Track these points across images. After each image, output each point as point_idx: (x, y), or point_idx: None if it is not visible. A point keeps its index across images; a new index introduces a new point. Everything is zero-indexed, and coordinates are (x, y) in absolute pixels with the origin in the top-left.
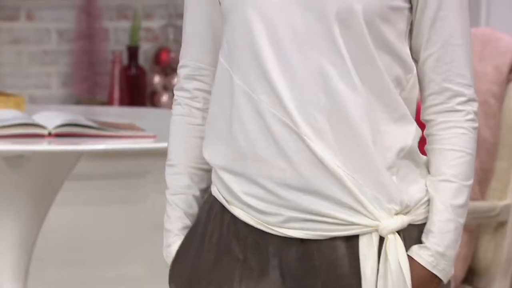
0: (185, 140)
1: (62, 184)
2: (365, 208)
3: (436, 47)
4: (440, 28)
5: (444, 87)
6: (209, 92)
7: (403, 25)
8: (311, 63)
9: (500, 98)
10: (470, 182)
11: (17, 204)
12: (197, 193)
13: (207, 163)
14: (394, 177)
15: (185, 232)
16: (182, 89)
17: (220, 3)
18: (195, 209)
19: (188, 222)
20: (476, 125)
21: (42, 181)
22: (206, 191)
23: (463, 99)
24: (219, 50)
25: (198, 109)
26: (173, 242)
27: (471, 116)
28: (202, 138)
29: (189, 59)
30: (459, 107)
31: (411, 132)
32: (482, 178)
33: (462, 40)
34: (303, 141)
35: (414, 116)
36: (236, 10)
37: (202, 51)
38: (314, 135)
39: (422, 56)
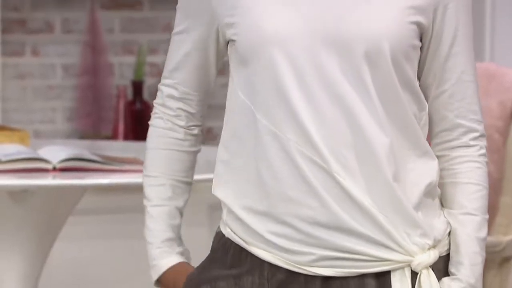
0: (167, 153)
1: (66, 219)
2: (398, 244)
3: (449, 84)
4: (453, 65)
5: (457, 123)
6: (192, 114)
7: (416, 63)
8: (339, 102)
9: (505, 133)
10: (487, 216)
11: (22, 239)
12: (181, 204)
13: (189, 176)
14: (420, 212)
15: (169, 244)
16: (164, 105)
17: (228, 42)
18: (178, 221)
19: (171, 235)
20: (487, 159)
21: (47, 215)
22: (187, 201)
23: (476, 134)
24: (210, 80)
25: (181, 126)
26: (159, 257)
27: (483, 151)
28: (185, 152)
29: (177, 82)
30: (472, 142)
31: (435, 168)
32: None
33: (472, 77)
34: (334, 178)
35: None
36: (259, 51)
37: (191, 78)
38: (345, 173)
39: (434, 93)
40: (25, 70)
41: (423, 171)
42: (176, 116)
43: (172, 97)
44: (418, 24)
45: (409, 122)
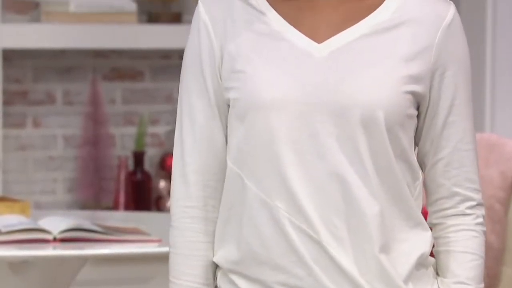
0: (197, 259)
1: None
2: None
3: (445, 152)
4: (450, 134)
5: (454, 192)
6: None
7: (412, 133)
8: (332, 170)
9: (506, 204)
10: (482, 285)
11: None
12: None
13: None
14: (410, 283)
15: None
16: (190, 197)
17: (229, 104)
18: None
19: None
20: (485, 229)
21: (47, 286)
22: None
23: (472, 203)
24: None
25: (213, 221)
26: None
27: (480, 220)
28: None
29: (200, 164)
30: (468, 211)
31: (428, 239)
32: (488, 285)
33: (470, 145)
34: (323, 248)
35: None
36: (255, 116)
37: (211, 154)
38: (335, 242)
39: (431, 161)
40: (26, 141)
41: (415, 242)
42: (205, 206)
43: (197, 183)
44: (414, 94)
45: (402, 192)
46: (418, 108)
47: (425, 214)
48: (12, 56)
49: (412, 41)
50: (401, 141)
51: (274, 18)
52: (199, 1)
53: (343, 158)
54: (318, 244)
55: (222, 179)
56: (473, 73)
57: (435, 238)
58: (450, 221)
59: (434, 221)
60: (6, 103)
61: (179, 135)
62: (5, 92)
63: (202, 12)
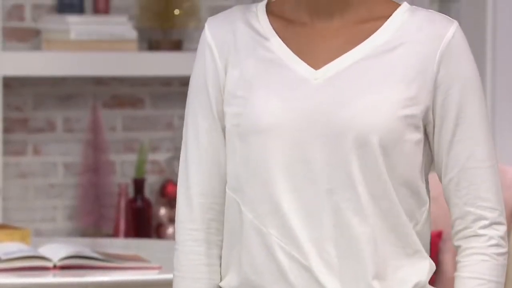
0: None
1: None
2: None
3: (454, 171)
4: (457, 153)
5: (466, 211)
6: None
7: (419, 158)
8: (324, 199)
9: (507, 232)
10: None
11: None
12: None
13: None
14: None
15: None
16: (194, 220)
17: (231, 129)
18: None
19: None
20: (502, 250)
21: None
22: None
23: (485, 222)
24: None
25: (216, 244)
26: None
27: (494, 242)
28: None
29: (204, 187)
30: (481, 232)
31: (425, 269)
32: None
33: (481, 163)
34: (313, 275)
35: (429, 250)
36: (252, 141)
37: (216, 177)
38: (326, 269)
39: (444, 181)
40: (27, 169)
41: (411, 270)
42: (208, 229)
43: (202, 205)
44: (414, 117)
45: (398, 219)
46: (426, 131)
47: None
48: (12, 83)
49: (410, 63)
50: (401, 166)
51: (277, 44)
52: (205, 25)
53: (335, 184)
54: (309, 271)
55: None
56: None
57: (456, 262)
58: (465, 244)
59: (455, 244)
60: (6, 130)
61: (184, 158)
62: (5, 120)
63: (208, 35)
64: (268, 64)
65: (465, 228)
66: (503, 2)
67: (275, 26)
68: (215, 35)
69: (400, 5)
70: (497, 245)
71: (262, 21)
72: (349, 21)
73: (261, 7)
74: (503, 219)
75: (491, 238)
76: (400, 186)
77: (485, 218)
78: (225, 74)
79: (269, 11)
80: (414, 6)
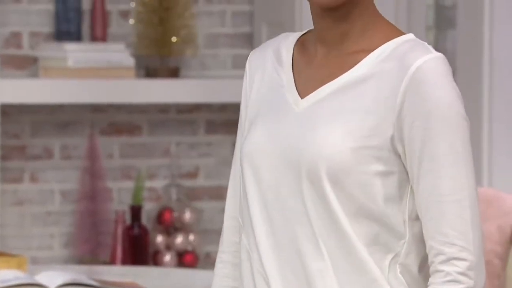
0: None
1: None
2: None
3: (423, 205)
4: (423, 185)
5: (430, 245)
6: None
7: (393, 190)
8: (288, 228)
9: (504, 259)
10: None
11: None
12: None
13: None
14: None
15: None
16: (224, 242)
17: None
18: None
19: None
20: (460, 286)
21: None
22: None
23: (443, 257)
24: None
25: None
26: None
27: (450, 278)
28: None
29: (233, 212)
30: (440, 267)
31: None
32: None
33: (444, 197)
34: None
35: (427, 280)
36: (241, 166)
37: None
38: None
39: (419, 215)
40: (24, 196)
41: None
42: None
43: (236, 230)
44: (372, 148)
45: (355, 251)
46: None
47: None
48: (10, 111)
49: (377, 92)
50: (359, 198)
51: (287, 73)
52: (250, 52)
53: (294, 213)
54: None
55: None
56: (472, 128)
57: None
58: (430, 279)
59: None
60: (4, 158)
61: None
62: (3, 147)
63: (247, 63)
64: (274, 92)
65: (431, 263)
66: (500, 29)
67: (295, 55)
68: (250, 62)
69: (400, 35)
70: (454, 281)
71: (288, 49)
72: (345, 52)
73: (296, 36)
74: (465, 255)
75: (447, 274)
76: (358, 218)
77: (443, 253)
78: (249, 101)
79: (300, 40)
80: (414, 38)
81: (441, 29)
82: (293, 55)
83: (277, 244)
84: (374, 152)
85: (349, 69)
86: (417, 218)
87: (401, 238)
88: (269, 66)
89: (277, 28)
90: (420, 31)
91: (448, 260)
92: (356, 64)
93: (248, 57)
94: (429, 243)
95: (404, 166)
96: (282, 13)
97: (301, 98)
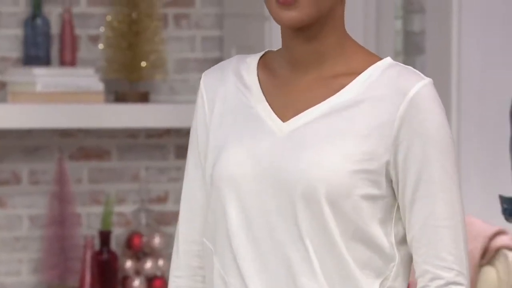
0: None
1: None
2: None
3: (415, 229)
4: (418, 210)
5: (425, 270)
6: None
7: (383, 214)
8: (279, 250)
9: (473, 284)
10: None
11: None
12: None
13: None
14: None
15: None
16: (180, 267)
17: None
18: None
19: None
20: None
21: None
22: None
23: (441, 282)
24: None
25: None
26: None
27: None
28: None
29: (190, 234)
30: None
31: None
32: None
33: (443, 221)
34: None
35: None
36: (216, 190)
37: (198, 227)
38: None
39: (408, 239)
40: None
41: None
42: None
43: (196, 254)
44: (369, 172)
45: (349, 273)
46: (393, 186)
47: None
48: None
49: (371, 117)
50: (355, 222)
51: (257, 96)
52: (202, 74)
53: (286, 236)
54: None
55: None
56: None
57: None
58: None
59: None
60: None
61: (180, 205)
62: None
63: (201, 85)
64: (245, 115)
65: (424, 286)
66: (468, 55)
67: (262, 77)
68: (207, 84)
69: (379, 59)
70: None
71: (250, 72)
72: (323, 75)
73: (255, 58)
74: (461, 279)
75: None
76: (353, 240)
77: (441, 278)
78: (210, 123)
79: (262, 61)
80: (396, 63)
81: (410, 55)
82: (258, 78)
83: (265, 268)
84: (370, 176)
85: (335, 93)
86: (402, 241)
87: (391, 261)
88: (232, 88)
89: (247, 52)
90: (389, 55)
91: (447, 284)
92: (342, 88)
93: (202, 79)
94: (423, 267)
95: (392, 191)
96: (251, 38)
97: (283, 121)
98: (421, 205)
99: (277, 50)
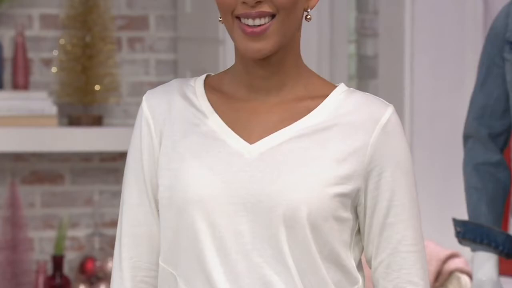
0: None
1: None
2: None
3: (385, 254)
4: (389, 235)
5: None
6: None
7: (346, 236)
8: (256, 272)
9: None
10: None
11: None
12: None
13: None
14: None
15: None
16: None
17: (159, 197)
18: None
19: None
20: None
21: None
22: None
23: None
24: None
25: None
26: None
27: None
28: None
29: (137, 260)
30: None
31: None
32: None
33: (413, 247)
34: None
35: None
36: (181, 213)
37: (150, 250)
38: None
39: (374, 264)
40: None
41: None
42: None
43: (142, 281)
44: (343, 195)
45: None
46: (357, 211)
47: None
48: None
49: (344, 142)
50: (330, 243)
51: (212, 118)
52: (143, 97)
53: (266, 257)
54: None
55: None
56: None
57: None
58: None
59: None
60: None
61: (119, 230)
62: None
63: (144, 107)
64: (202, 137)
65: None
66: (420, 79)
67: (212, 100)
68: (152, 107)
69: (336, 86)
70: None
71: (199, 95)
72: (285, 99)
73: (199, 81)
74: None
75: None
76: (329, 262)
77: None
78: (160, 146)
79: (208, 84)
80: (352, 88)
81: (363, 79)
82: (209, 101)
83: None
84: (344, 200)
85: (302, 116)
86: (359, 264)
87: (356, 284)
88: (181, 111)
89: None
90: (342, 81)
91: None
92: (309, 111)
93: (145, 102)
94: None
95: (356, 215)
96: (205, 61)
97: (249, 143)
98: (392, 230)
99: (224, 73)
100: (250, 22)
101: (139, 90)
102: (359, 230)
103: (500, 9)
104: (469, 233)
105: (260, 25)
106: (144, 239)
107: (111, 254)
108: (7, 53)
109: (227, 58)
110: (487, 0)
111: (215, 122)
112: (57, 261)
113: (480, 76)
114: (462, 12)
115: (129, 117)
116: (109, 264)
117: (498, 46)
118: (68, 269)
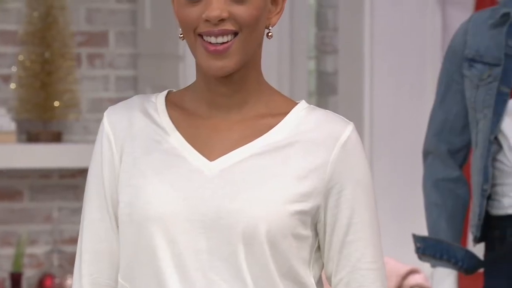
0: None
1: None
2: None
3: (345, 271)
4: (348, 253)
5: None
6: None
7: (305, 253)
8: None
9: None
10: None
11: None
12: None
13: None
14: None
15: None
16: None
17: (118, 213)
18: None
19: None
20: None
21: None
22: None
23: None
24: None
25: None
26: None
27: None
28: None
29: (97, 276)
30: None
31: None
32: None
33: (372, 264)
34: None
35: None
36: (140, 229)
37: (110, 267)
38: None
39: (334, 281)
40: None
41: None
42: None
43: None
44: (302, 213)
45: None
46: (316, 229)
47: None
48: None
49: (305, 159)
50: (289, 261)
51: (173, 135)
52: (104, 113)
53: (224, 275)
54: None
55: None
56: None
57: None
58: None
59: None
60: None
61: (80, 246)
62: None
63: (105, 123)
64: (163, 154)
65: None
66: (379, 95)
67: (174, 116)
68: (113, 123)
69: (297, 103)
70: None
71: (160, 112)
72: (246, 116)
73: (160, 97)
74: None
75: None
76: (287, 280)
77: None
78: (120, 162)
79: (169, 101)
80: (312, 106)
81: (323, 95)
82: (170, 118)
83: None
84: (304, 218)
85: (262, 133)
86: (318, 282)
87: None
88: (142, 128)
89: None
90: (302, 97)
91: None
92: (270, 129)
93: (106, 119)
94: None
95: (315, 232)
96: (166, 77)
97: (209, 160)
98: (352, 248)
99: (186, 90)
100: (212, 40)
101: (98, 107)
102: (319, 247)
103: (458, 26)
104: (429, 248)
105: (222, 43)
106: (105, 256)
107: (70, 271)
108: None
109: (188, 74)
110: (445, 16)
111: (176, 139)
112: (16, 278)
113: (440, 92)
114: (421, 28)
115: (89, 133)
116: (68, 281)
117: (457, 63)
118: (26, 286)
